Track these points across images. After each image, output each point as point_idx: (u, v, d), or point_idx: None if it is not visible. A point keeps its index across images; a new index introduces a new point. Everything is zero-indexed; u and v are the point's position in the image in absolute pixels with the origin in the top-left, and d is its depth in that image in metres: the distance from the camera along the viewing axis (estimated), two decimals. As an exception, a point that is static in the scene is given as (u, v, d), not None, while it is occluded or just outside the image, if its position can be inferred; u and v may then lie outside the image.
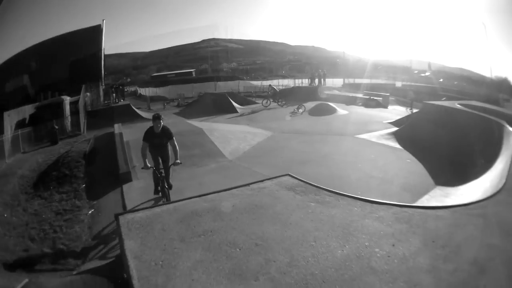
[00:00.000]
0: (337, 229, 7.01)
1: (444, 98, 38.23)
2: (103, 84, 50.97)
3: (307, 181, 9.46)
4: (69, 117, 32.05)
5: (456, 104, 22.29)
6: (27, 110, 32.95)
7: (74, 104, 33.83)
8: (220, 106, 35.85)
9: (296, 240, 6.62)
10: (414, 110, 30.09)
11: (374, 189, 13.06)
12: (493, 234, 6.81)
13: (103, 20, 52.06)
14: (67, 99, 33.56)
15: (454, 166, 15.59)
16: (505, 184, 9.33)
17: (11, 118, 29.34)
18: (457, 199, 11.64)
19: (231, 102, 36.96)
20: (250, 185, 9.16)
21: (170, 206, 8.18)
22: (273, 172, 14.07)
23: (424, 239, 6.69)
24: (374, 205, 8.09)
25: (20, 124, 29.93)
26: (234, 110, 35.13)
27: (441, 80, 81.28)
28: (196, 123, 23.91)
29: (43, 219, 12.44)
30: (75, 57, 48.08)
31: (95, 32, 50.81)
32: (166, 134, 11.35)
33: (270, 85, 46.97)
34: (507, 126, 15.79)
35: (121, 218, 7.58)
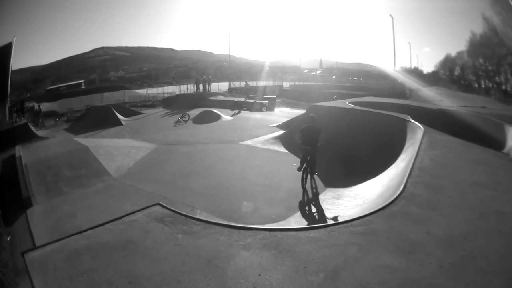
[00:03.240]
0: (203, 262, 6.51)
1: (335, 97, 38.67)
2: (9, 102, 48.90)
3: (176, 211, 9.07)
4: None
5: (347, 103, 22.48)
6: None
7: (-15, 123, 32.01)
8: (105, 120, 34.97)
9: (164, 276, 6.23)
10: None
11: (259, 197, 12.88)
12: (384, 254, 6.32)
13: (14, 37, 49.50)
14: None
15: (346, 167, 15.74)
16: (403, 191, 8.90)
17: None
18: (350, 200, 11.67)
19: (115, 115, 36.24)
20: (122, 218, 8.81)
21: (58, 244, 7.81)
22: (157, 188, 14.46)
23: (294, 266, 6.18)
24: (242, 231, 7.65)
25: None
26: (119, 123, 34.44)
27: (334, 77, 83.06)
28: (83, 140, 23.10)
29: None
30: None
31: (5, 51, 48.14)
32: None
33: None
34: (411, 120, 16.06)
35: (26, 256, 7.38)
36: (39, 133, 31.33)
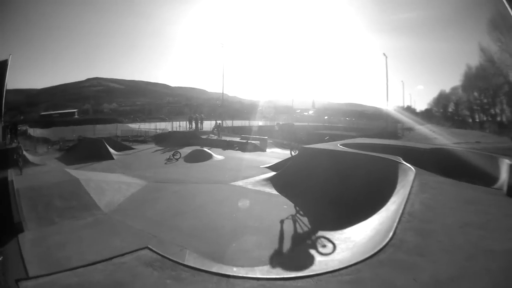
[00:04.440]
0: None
1: (327, 138, 38.76)
2: (2, 122, 48.95)
3: (165, 255, 9.09)
4: None
5: (338, 145, 22.64)
6: None
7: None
8: (97, 152, 35.44)
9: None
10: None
11: (248, 240, 12.82)
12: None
13: (10, 55, 49.88)
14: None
15: (337, 210, 15.55)
16: (392, 237, 8.90)
17: None
18: (340, 243, 11.63)
19: (107, 149, 36.69)
20: (112, 260, 8.88)
21: (50, 278, 7.88)
22: (147, 226, 14.49)
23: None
24: (230, 279, 7.67)
25: None
26: (110, 157, 34.86)
27: (326, 117, 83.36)
28: (74, 171, 22.99)
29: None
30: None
31: (0, 68, 48.36)
32: None
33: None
34: (402, 162, 16.07)
35: (20, 284, 7.66)
36: (31, 159, 31.47)
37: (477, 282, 6.57)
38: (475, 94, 73.78)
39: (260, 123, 70.37)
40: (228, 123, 64.11)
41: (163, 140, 49.47)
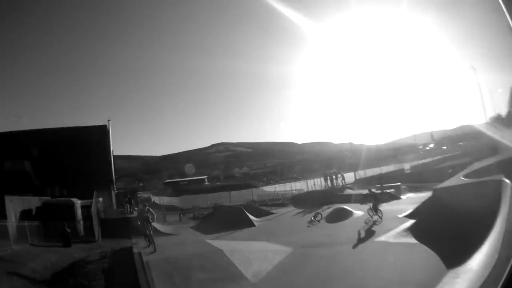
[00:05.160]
0: None
1: (450, 171, 37.77)
2: (115, 188, 50.66)
3: None
4: (81, 221, 31.81)
5: (461, 177, 22.44)
6: (33, 202, 33.24)
7: (86, 208, 33.76)
8: (236, 220, 35.63)
9: None
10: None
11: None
12: None
13: (108, 120, 52.43)
14: (78, 202, 33.50)
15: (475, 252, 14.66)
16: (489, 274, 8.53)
17: (14, 204, 29.24)
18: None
19: (247, 216, 36.75)
20: None
21: None
22: None
23: None
24: None
25: (25, 215, 29.91)
26: (251, 224, 34.99)
27: (445, 147, 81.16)
28: (214, 241, 23.87)
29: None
30: (83, 158, 48.46)
31: (101, 133, 50.69)
32: None
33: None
34: (504, 179, 15.24)
35: None
36: (161, 228, 32.30)
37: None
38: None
39: (390, 168, 69.04)
40: (361, 174, 63.21)
41: (302, 201, 48.90)
